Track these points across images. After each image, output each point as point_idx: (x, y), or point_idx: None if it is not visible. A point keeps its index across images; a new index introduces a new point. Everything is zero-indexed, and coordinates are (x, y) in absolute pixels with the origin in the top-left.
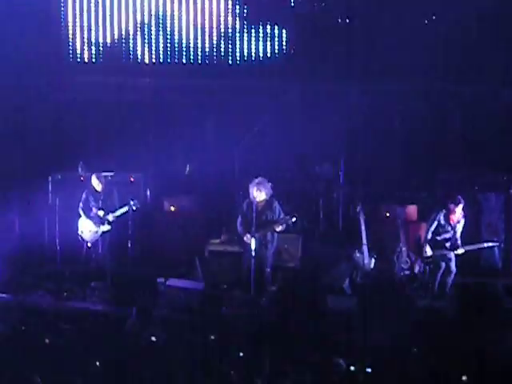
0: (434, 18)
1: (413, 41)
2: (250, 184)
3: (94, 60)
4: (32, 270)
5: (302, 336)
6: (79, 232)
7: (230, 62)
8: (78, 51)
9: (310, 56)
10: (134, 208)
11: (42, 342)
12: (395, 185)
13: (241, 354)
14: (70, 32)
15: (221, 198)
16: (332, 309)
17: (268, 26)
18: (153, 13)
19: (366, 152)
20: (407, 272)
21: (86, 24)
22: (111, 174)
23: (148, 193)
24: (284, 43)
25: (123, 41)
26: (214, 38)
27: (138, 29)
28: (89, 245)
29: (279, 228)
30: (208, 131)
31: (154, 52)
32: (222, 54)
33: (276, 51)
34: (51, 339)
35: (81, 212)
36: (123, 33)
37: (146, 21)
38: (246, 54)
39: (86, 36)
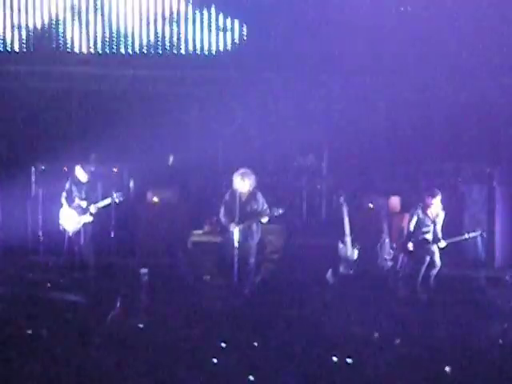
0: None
1: (397, 30)
2: (234, 174)
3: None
4: (15, 261)
5: (285, 327)
6: (61, 222)
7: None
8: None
9: (291, 45)
10: (117, 201)
11: (25, 332)
12: (379, 176)
13: (223, 345)
14: None
15: (204, 189)
16: (314, 299)
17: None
18: None
19: (350, 143)
20: (390, 263)
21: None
22: (94, 165)
23: (131, 184)
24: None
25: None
26: None
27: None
28: (70, 235)
29: (265, 219)
30: (191, 122)
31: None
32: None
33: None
34: (34, 330)
35: (63, 201)
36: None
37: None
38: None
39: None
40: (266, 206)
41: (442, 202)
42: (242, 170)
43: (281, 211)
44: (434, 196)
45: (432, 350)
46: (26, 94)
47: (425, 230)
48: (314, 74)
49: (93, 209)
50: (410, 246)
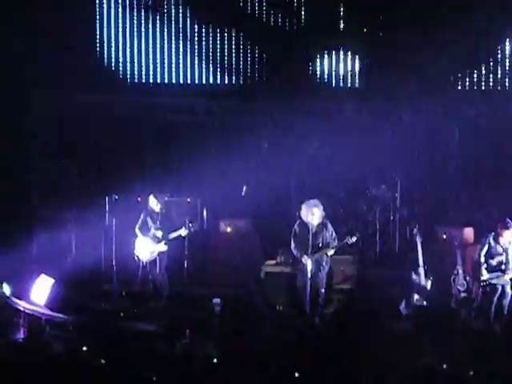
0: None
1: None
2: (302, 205)
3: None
4: (88, 290)
5: (357, 358)
6: (136, 252)
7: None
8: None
9: (367, 75)
10: (192, 230)
11: (98, 362)
12: (452, 207)
13: (296, 375)
14: None
15: (276, 219)
16: (388, 330)
17: None
18: None
19: (423, 173)
20: (464, 294)
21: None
22: (167, 195)
23: (205, 214)
24: None
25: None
26: None
27: None
28: (145, 264)
29: (331, 252)
30: (265, 152)
31: None
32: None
33: None
34: (107, 360)
35: (137, 232)
36: None
37: None
38: None
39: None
40: (335, 235)
41: None
42: (310, 201)
43: (354, 239)
44: (508, 228)
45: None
46: (98, 123)
47: (497, 259)
48: (385, 102)
49: (168, 238)
50: (484, 273)
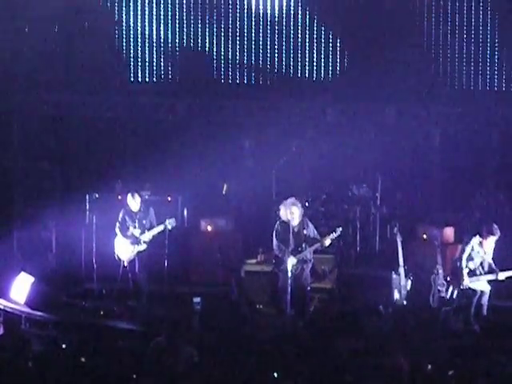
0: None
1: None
2: (281, 205)
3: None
4: (69, 289)
5: (338, 358)
6: (116, 251)
7: (269, 82)
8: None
9: (349, 77)
10: (170, 227)
11: (78, 360)
12: (432, 206)
13: (275, 375)
14: None
15: (257, 217)
16: (367, 330)
17: None
18: None
19: (403, 173)
20: (444, 294)
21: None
22: (148, 193)
23: (185, 213)
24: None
25: None
26: None
27: None
28: (125, 264)
29: (328, 242)
30: (245, 151)
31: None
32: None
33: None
34: (87, 358)
35: (117, 231)
36: None
37: None
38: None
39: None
40: (316, 232)
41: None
42: (290, 201)
43: (339, 232)
44: (493, 234)
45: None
46: (79, 122)
47: (477, 260)
48: (368, 103)
49: (146, 237)
50: (466, 280)
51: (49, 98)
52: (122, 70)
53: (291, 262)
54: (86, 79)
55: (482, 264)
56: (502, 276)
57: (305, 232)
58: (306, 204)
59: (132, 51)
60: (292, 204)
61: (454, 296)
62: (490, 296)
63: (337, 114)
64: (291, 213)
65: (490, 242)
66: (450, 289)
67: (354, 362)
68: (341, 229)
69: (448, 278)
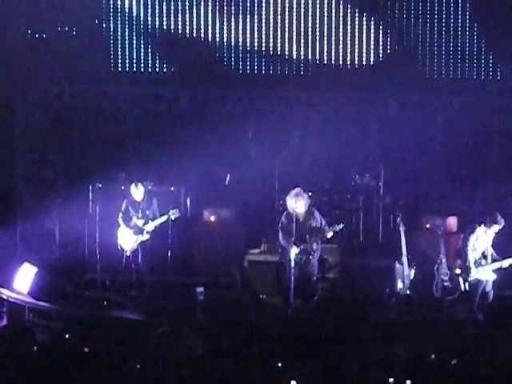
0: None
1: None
2: (287, 196)
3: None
4: (72, 279)
5: (342, 347)
6: (118, 241)
7: (271, 71)
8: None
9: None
10: (173, 218)
11: (82, 350)
12: (435, 196)
13: (279, 365)
14: None
15: (260, 207)
16: (372, 319)
17: None
18: None
19: (407, 163)
20: (447, 283)
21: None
22: (151, 183)
23: (188, 203)
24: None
25: None
26: None
27: None
28: (128, 254)
29: (330, 234)
30: (248, 141)
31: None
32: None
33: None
34: (90, 348)
35: (120, 221)
36: None
37: None
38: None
39: None
40: (324, 222)
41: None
42: (294, 191)
43: (341, 226)
44: (497, 223)
45: (488, 372)
46: (82, 113)
47: (480, 250)
48: (371, 94)
49: (149, 227)
50: (474, 272)
51: (51, 89)
52: (123, 60)
53: (294, 252)
54: (87, 70)
55: (484, 253)
56: (506, 264)
57: (310, 223)
58: (310, 194)
59: (135, 42)
60: (296, 194)
61: (465, 288)
62: (493, 284)
63: (340, 103)
64: (296, 203)
65: (493, 231)
66: (460, 281)
67: (358, 352)
68: (341, 226)
69: (456, 272)
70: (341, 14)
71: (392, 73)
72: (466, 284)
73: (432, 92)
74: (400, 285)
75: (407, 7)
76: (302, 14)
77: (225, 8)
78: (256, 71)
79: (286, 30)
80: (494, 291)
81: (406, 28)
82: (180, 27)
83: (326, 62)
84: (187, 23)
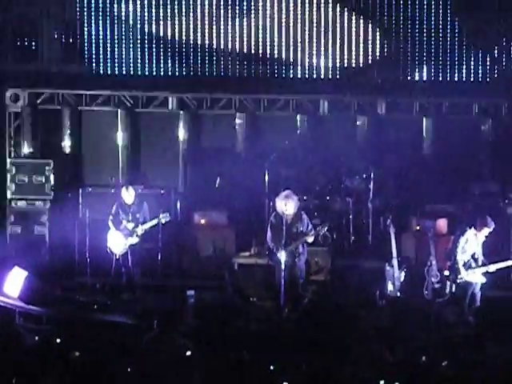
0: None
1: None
2: (276, 198)
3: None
4: (62, 283)
5: (333, 349)
6: (108, 245)
7: (260, 75)
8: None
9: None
10: (163, 221)
11: (73, 354)
12: (425, 198)
13: (271, 368)
14: None
15: (250, 211)
16: (362, 322)
17: None
18: None
19: (396, 165)
20: (437, 285)
21: None
22: (141, 187)
23: (178, 206)
24: None
25: None
26: None
27: None
28: (118, 257)
29: (311, 239)
30: (237, 144)
31: None
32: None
33: None
34: (80, 352)
35: (110, 224)
36: None
37: None
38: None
39: None
40: (310, 225)
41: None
42: (284, 193)
43: (326, 228)
44: (487, 226)
45: (479, 373)
46: (72, 116)
47: (469, 252)
48: (361, 96)
49: (139, 230)
50: (463, 272)
51: (39, 91)
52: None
53: (282, 255)
54: (76, 73)
55: (474, 256)
56: (492, 268)
57: (297, 226)
58: (305, 198)
59: (131, 44)
60: (286, 196)
61: (453, 290)
62: (481, 286)
63: (329, 106)
64: (285, 205)
65: (484, 234)
66: (448, 283)
67: (349, 354)
68: (326, 227)
69: (445, 273)
70: (330, 18)
71: (382, 75)
72: (453, 285)
73: (422, 94)
74: (390, 287)
75: (396, 10)
76: (291, 17)
77: (214, 12)
78: (245, 74)
79: (275, 33)
80: (481, 293)
81: (395, 31)
82: (170, 31)
83: (315, 64)
84: (176, 27)
